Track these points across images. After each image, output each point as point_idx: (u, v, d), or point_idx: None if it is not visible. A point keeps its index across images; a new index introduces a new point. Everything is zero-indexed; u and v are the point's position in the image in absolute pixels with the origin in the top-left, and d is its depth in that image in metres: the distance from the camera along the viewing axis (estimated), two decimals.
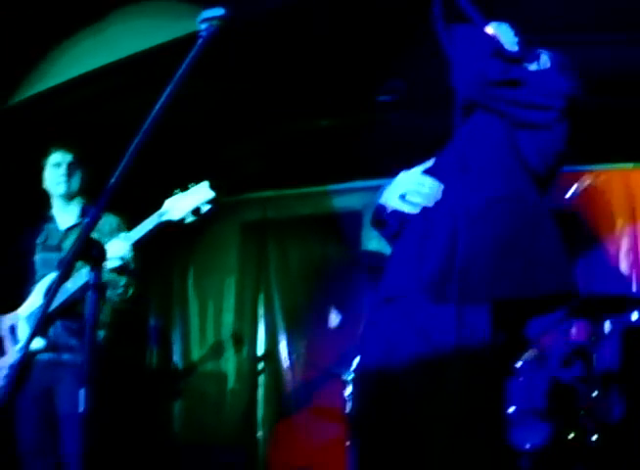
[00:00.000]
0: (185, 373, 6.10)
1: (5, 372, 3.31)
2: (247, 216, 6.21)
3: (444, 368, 1.88)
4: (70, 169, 3.46)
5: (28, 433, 3.31)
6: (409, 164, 2.36)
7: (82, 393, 1.56)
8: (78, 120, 4.56)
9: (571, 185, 5.07)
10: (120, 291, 3.24)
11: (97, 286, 1.67)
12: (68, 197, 3.49)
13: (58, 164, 3.46)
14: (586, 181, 5.22)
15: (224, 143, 4.93)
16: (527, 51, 2.29)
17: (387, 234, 2.34)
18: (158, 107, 1.75)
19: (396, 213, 2.25)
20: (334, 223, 5.69)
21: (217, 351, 6.03)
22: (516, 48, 2.27)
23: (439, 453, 1.85)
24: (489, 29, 2.27)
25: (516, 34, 2.30)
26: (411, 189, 2.20)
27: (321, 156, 5.30)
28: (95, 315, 1.59)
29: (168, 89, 1.76)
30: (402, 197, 2.22)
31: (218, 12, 1.88)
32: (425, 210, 2.15)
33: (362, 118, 4.62)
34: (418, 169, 2.29)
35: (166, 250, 5.62)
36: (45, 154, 3.52)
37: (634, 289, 5.06)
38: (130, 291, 3.27)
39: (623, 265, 5.14)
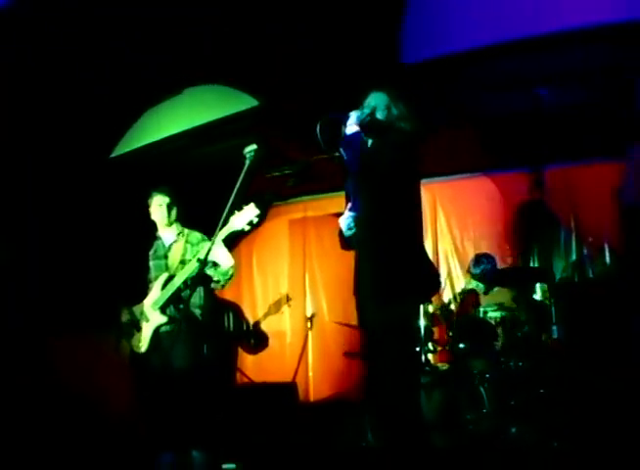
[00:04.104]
0: (255, 331, 7.64)
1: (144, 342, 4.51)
2: (292, 215, 7.98)
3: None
4: (169, 208, 4.67)
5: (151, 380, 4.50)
6: None
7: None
8: (166, 169, 6.12)
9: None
10: (218, 280, 4.53)
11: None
12: (169, 224, 4.70)
13: (160, 205, 4.65)
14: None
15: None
16: None
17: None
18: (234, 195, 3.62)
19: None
20: None
21: (276, 307, 7.66)
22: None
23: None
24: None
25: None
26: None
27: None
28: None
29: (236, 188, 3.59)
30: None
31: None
32: None
33: None
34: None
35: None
36: (147, 194, 4.73)
37: None
38: (222, 281, 4.54)
39: None
